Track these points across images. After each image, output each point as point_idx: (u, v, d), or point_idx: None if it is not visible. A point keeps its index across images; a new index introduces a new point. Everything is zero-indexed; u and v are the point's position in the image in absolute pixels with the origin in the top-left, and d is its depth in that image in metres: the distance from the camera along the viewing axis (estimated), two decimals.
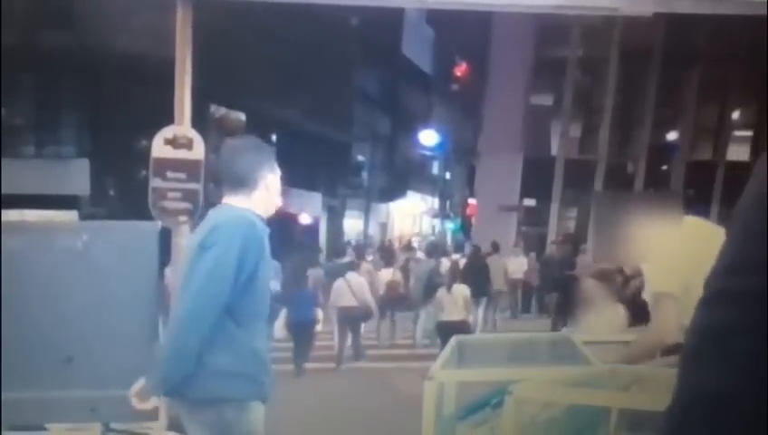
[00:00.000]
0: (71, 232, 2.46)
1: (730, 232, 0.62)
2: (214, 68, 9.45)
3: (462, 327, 7.50)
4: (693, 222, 2.24)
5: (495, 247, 12.30)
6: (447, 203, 31.20)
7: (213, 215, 2.22)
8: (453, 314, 7.80)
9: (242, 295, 2.07)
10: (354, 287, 8.26)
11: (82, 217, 12.41)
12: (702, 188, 17.83)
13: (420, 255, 12.82)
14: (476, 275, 9.83)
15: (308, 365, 7.62)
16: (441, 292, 8.14)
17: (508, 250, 13.41)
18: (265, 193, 2.24)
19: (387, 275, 10.30)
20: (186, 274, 2.10)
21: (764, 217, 0.58)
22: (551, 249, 14.48)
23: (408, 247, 15.14)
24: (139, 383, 2.13)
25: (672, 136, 19.42)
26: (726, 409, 0.57)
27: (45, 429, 2.35)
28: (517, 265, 13.06)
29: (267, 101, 16.39)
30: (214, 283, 2.02)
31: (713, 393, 0.57)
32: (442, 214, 30.94)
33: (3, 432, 2.15)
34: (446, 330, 7.24)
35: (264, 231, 2.17)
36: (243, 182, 2.21)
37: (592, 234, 1.96)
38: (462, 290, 8.07)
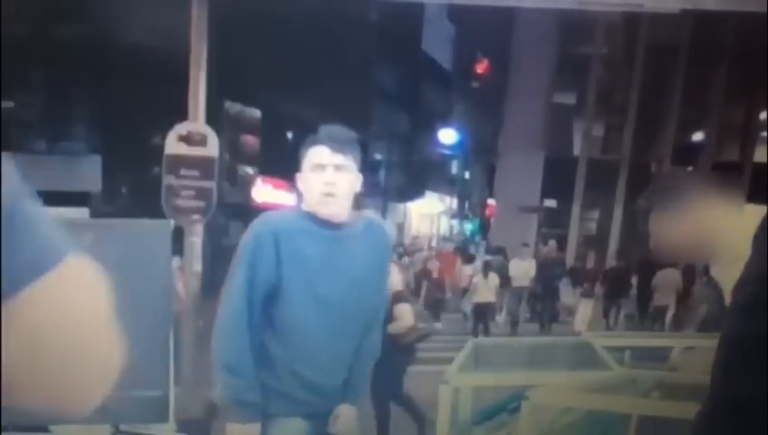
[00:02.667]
0: (81, 229, 2.43)
1: (759, 240, 0.62)
2: (229, 64, 9.47)
3: (491, 307, 10.15)
4: (755, 211, 2.11)
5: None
6: (466, 203, 31.01)
7: None
8: (486, 296, 9.97)
9: (275, 302, 1.89)
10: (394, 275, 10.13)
11: (94, 214, 12.49)
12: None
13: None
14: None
15: None
16: (478, 278, 10.19)
17: (516, 252, 12.09)
18: (305, 190, 1.94)
19: (468, 270, 11.90)
20: None
21: None
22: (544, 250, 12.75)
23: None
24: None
25: (698, 136, 19.06)
26: (758, 415, 0.58)
27: (48, 430, 2.32)
28: (522, 269, 11.16)
29: (283, 98, 16.40)
30: (229, 299, 1.90)
31: (745, 401, 0.59)
32: (460, 214, 30.77)
33: (9, 433, 2.12)
34: (480, 309, 9.85)
35: (303, 228, 1.89)
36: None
37: (652, 219, 1.80)
38: (494, 278, 10.19)
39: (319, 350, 1.94)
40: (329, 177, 1.89)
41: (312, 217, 1.91)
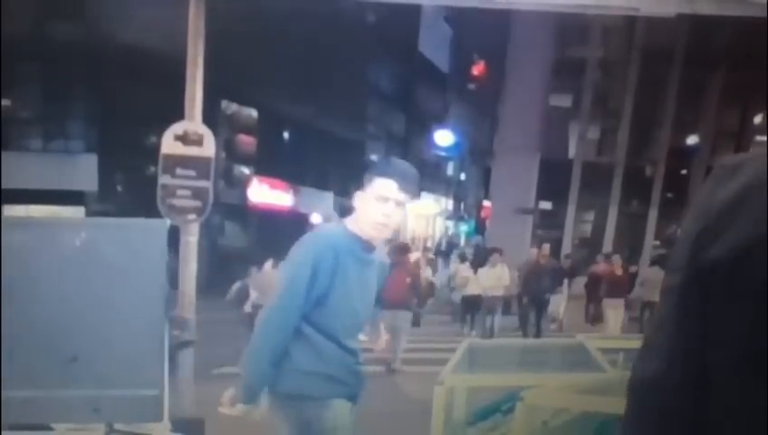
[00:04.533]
0: (77, 228, 2.42)
1: (682, 231, 0.71)
2: (226, 63, 9.46)
3: (478, 299, 10.48)
4: None
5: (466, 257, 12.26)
6: (462, 205, 31.06)
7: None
8: (474, 289, 10.54)
9: (319, 309, 2.11)
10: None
11: (89, 213, 12.48)
12: None
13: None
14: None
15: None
16: (467, 272, 10.93)
17: (513, 255, 11.02)
18: (361, 211, 2.15)
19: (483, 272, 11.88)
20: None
21: (690, 223, 0.68)
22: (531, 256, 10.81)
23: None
24: (229, 391, 2.20)
25: (692, 139, 19.14)
26: (653, 393, 0.68)
27: (50, 428, 2.32)
28: (494, 277, 9.94)
29: (280, 98, 16.38)
30: (287, 297, 2.09)
31: (644, 380, 0.69)
32: (456, 216, 30.81)
33: (6, 432, 2.13)
34: (468, 301, 10.77)
35: (349, 249, 2.12)
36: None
37: None
38: (481, 273, 10.63)
39: (347, 343, 2.22)
40: (389, 209, 2.12)
41: (357, 240, 2.15)
